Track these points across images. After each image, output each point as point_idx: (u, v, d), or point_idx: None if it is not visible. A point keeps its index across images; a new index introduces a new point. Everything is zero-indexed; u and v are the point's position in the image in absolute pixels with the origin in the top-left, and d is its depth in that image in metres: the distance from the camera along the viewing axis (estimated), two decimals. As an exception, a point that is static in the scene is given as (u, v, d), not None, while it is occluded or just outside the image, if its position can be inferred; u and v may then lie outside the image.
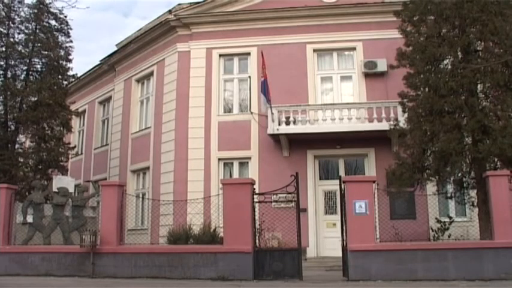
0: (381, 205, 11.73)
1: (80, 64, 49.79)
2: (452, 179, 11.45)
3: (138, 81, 18.23)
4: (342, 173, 14.24)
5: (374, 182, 10.01)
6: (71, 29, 16.72)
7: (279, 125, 14.09)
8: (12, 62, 15.90)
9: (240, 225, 9.66)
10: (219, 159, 15.20)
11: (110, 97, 19.92)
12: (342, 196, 9.98)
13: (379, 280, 9.05)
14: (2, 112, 15.59)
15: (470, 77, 10.24)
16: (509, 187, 9.33)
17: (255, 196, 10.12)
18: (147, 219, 15.39)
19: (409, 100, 11.39)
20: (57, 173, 16.09)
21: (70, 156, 17.83)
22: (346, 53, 15.63)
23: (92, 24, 58.43)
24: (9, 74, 15.79)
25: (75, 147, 18.48)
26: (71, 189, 14.00)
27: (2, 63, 15.77)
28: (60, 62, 16.54)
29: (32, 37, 16.01)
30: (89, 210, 13.24)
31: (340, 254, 10.33)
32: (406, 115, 11.74)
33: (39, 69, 16.41)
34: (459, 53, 10.92)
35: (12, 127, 15.69)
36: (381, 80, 14.71)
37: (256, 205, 10.14)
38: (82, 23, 34.26)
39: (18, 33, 16.13)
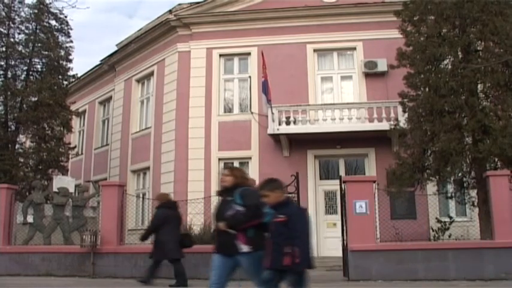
0: (381, 205, 11.71)
1: (83, 65, 50.01)
2: (452, 178, 11.45)
3: (138, 81, 18.23)
4: (342, 173, 14.23)
5: (374, 182, 10.00)
6: (71, 29, 16.80)
7: (279, 125, 14.09)
8: (13, 62, 15.92)
9: (241, 225, 9.63)
10: (219, 159, 15.19)
11: (110, 97, 19.92)
12: (342, 196, 9.97)
13: (380, 280, 9.04)
14: (3, 112, 15.61)
15: (471, 76, 10.23)
16: (509, 187, 9.32)
17: (255, 196, 10.09)
18: (148, 219, 15.37)
19: (409, 100, 11.39)
20: (57, 173, 16.10)
21: (70, 156, 17.84)
22: (347, 52, 15.64)
23: (96, 25, 58.54)
24: (9, 74, 15.81)
25: (75, 147, 18.50)
26: (71, 190, 14.01)
27: (2, 63, 15.79)
28: (61, 62, 16.57)
29: (32, 37, 16.04)
30: (89, 210, 13.26)
31: (340, 254, 10.32)
32: (406, 115, 11.74)
33: (40, 69, 16.43)
34: (459, 53, 10.92)
35: (13, 127, 15.70)
36: (381, 80, 14.71)
37: (257, 205, 10.11)
38: (86, 24, 34.36)
39: (19, 33, 16.19)
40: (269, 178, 4.48)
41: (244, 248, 4.45)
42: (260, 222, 4.31)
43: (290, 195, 9.75)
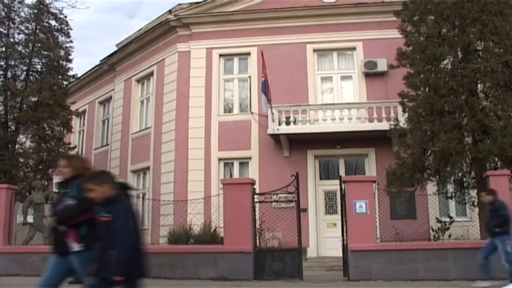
0: (381, 205, 11.74)
1: (83, 65, 50.02)
2: (452, 178, 11.47)
3: (138, 81, 18.23)
4: (342, 172, 14.23)
5: (374, 181, 10.03)
6: (71, 29, 16.79)
7: (279, 125, 14.09)
8: (12, 62, 15.91)
9: (241, 225, 9.66)
10: (219, 159, 15.19)
11: (110, 97, 19.92)
12: (343, 196, 9.98)
13: (380, 280, 9.05)
14: (3, 112, 15.60)
15: (471, 76, 10.25)
16: (509, 187, 9.32)
17: (256, 196, 10.11)
18: (147, 219, 15.38)
19: (409, 100, 11.41)
20: (57, 173, 16.08)
21: (70, 156, 17.82)
22: (347, 52, 15.64)
23: (96, 26, 58.56)
24: (9, 74, 15.80)
25: (75, 147, 18.49)
26: (72, 190, 13.99)
27: (2, 63, 15.79)
28: (60, 62, 16.57)
29: (32, 37, 16.03)
30: (89, 210, 13.23)
31: (340, 254, 10.33)
32: (406, 115, 11.76)
33: (39, 70, 16.43)
34: (459, 53, 10.94)
35: (13, 127, 15.70)
36: (381, 79, 14.71)
37: (257, 205, 10.13)
38: (86, 24, 34.35)
39: (18, 34, 16.18)
40: (99, 170, 4.04)
41: (76, 247, 3.95)
42: (92, 218, 3.80)
43: (290, 195, 9.84)
